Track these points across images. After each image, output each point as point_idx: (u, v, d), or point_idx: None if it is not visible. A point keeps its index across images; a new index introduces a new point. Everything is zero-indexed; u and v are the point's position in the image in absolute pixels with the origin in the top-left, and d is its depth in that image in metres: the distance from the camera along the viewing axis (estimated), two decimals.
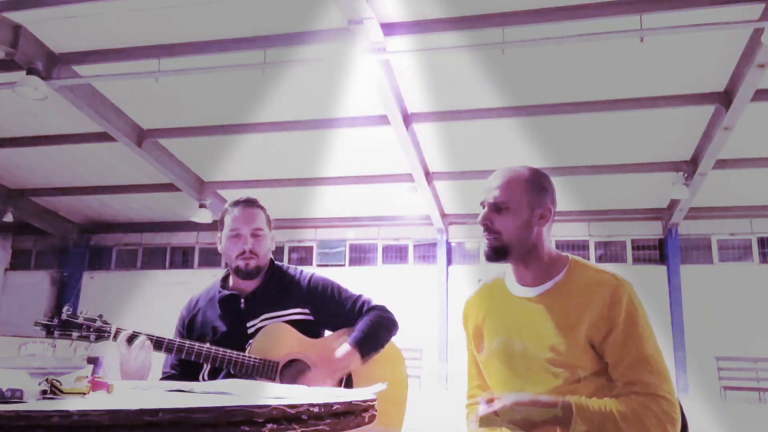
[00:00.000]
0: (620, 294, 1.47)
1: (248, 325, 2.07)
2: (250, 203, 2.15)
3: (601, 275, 1.53)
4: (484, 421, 1.41)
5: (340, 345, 2.03)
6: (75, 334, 1.84)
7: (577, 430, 1.37)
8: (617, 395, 1.43)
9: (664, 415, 1.38)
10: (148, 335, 1.93)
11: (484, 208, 1.59)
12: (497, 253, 1.57)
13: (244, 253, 2.07)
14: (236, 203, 2.14)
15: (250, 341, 2.02)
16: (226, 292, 2.13)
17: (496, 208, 1.57)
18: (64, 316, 1.83)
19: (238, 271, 2.10)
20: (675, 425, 1.40)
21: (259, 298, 2.11)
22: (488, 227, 1.58)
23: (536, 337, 1.53)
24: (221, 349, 1.95)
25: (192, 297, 2.25)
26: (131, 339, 1.90)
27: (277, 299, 2.11)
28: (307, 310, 2.11)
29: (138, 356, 1.88)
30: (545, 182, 1.62)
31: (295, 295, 2.13)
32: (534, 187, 1.58)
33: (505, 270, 1.69)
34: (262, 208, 2.16)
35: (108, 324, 1.90)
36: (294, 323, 2.07)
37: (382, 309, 2.15)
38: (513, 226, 1.55)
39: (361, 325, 2.08)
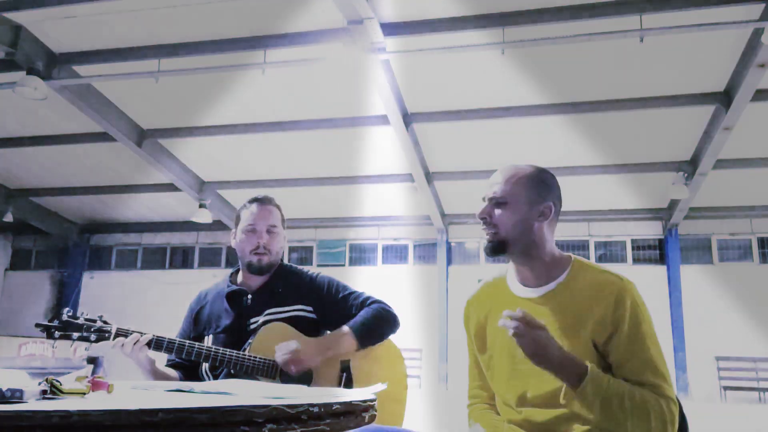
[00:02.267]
0: (624, 295, 1.48)
1: (251, 321, 2.09)
2: (267, 201, 2.24)
3: (605, 276, 1.53)
4: (513, 321, 1.39)
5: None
6: (75, 335, 1.85)
7: (585, 392, 1.38)
8: None
9: (668, 414, 1.39)
10: (141, 333, 1.94)
11: (485, 202, 1.61)
12: (495, 247, 1.58)
13: (258, 247, 2.14)
14: (254, 200, 2.23)
15: (250, 340, 2.03)
16: (234, 287, 2.17)
17: (496, 202, 1.58)
18: (64, 317, 1.84)
19: (250, 266, 2.15)
20: (674, 427, 1.40)
21: (265, 294, 2.15)
22: (486, 221, 1.59)
23: None
24: (221, 349, 1.97)
25: (202, 290, 2.32)
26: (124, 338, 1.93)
27: (282, 296, 2.15)
28: (309, 308, 2.14)
29: (132, 355, 1.91)
30: (548, 180, 1.62)
31: (299, 292, 2.17)
32: (535, 184, 1.59)
33: (507, 270, 1.69)
34: (277, 206, 2.27)
35: (108, 324, 1.91)
36: (296, 320, 2.09)
37: (383, 304, 2.18)
38: (511, 221, 1.56)
39: (361, 313, 2.12)
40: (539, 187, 1.59)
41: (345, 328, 2.06)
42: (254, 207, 2.20)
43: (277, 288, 2.16)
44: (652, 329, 1.48)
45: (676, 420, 1.41)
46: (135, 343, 1.90)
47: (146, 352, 1.95)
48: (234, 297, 2.16)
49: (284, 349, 1.96)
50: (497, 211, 1.58)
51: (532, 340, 1.38)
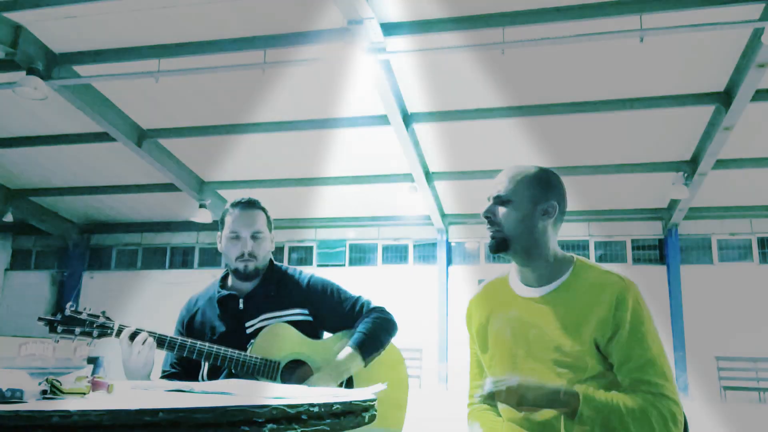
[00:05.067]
0: (626, 295, 1.48)
1: (247, 325, 2.07)
2: (251, 205, 2.14)
3: (606, 276, 1.53)
4: (488, 398, 1.41)
5: (342, 348, 2.03)
6: (78, 329, 1.83)
7: (583, 419, 1.37)
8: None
9: (669, 415, 1.38)
10: (150, 333, 1.92)
11: (489, 201, 1.61)
12: (498, 245, 1.58)
13: (243, 255, 2.08)
14: (236, 204, 2.14)
15: (252, 341, 2.02)
16: (225, 292, 2.13)
17: (499, 201, 1.59)
18: (67, 312, 1.83)
19: (236, 273, 2.11)
20: (679, 427, 1.40)
21: (258, 298, 2.11)
22: (490, 219, 1.59)
23: (541, 337, 1.53)
24: (223, 348, 1.95)
25: (191, 296, 2.25)
26: (134, 336, 1.89)
27: (276, 300, 2.11)
28: (306, 311, 2.11)
29: (141, 353, 1.88)
30: (552, 180, 1.62)
31: (294, 296, 2.13)
32: (538, 183, 1.59)
33: (509, 269, 1.69)
34: (262, 209, 2.16)
35: (111, 320, 1.89)
36: (293, 324, 2.07)
37: (381, 311, 2.15)
38: (514, 220, 1.56)
39: (362, 327, 2.08)
40: (543, 187, 1.59)
41: (350, 349, 2.02)
42: (237, 212, 2.11)
43: (270, 291, 2.12)
44: (653, 329, 1.48)
45: (678, 419, 1.40)
46: (144, 342, 1.89)
47: (154, 353, 1.92)
48: (226, 302, 2.12)
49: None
50: (501, 210, 1.58)
51: (516, 400, 1.39)
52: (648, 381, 1.42)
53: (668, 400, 1.40)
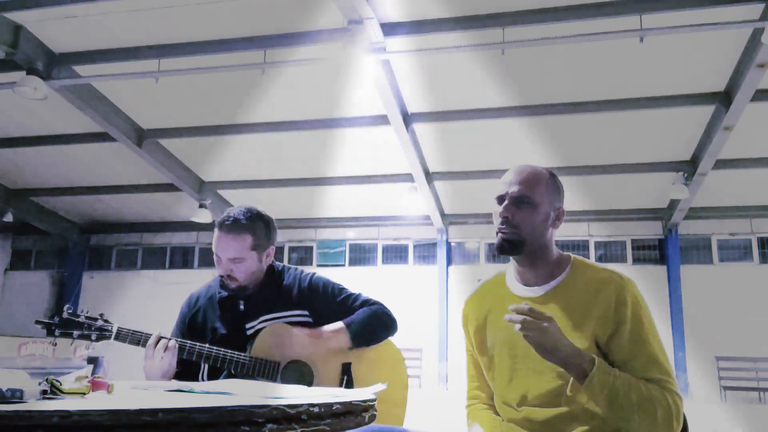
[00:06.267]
0: (625, 293, 1.48)
1: (247, 326, 2.07)
2: (233, 227, 2.07)
3: (604, 274, 1.53)
4: (524, 319, 1.36)
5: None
6: (76, 333, 1.84)
7: (592, 384, 1.37)
8: None
9: (674, 407, 1.39)
10: (140, 333, 1.94)
11: (504, 201, 1.57)
12: (512, 246, 1.54)
13: (224, 276, 2.10)
14: (221, 225, 2.10)
15: (252, 341, 2.02)
16: (225, 294, 2.13)
17: (518, 201, 1.55)
18: (65, 315, 1.83)
19: (226, 288, 2.14)
20: (680, 422, 1.41)
21: (259, 299, 2.11)
22: (508, 220, 1.54)
23: None
24: (222, 350, 1.95)
25: (192, 293, 2.26)
26: (157, 342, 1.92)
27: (276, 301, 2.11)
28: (306, 312, 2.11)
29: (164, 359, 1.89)
30: (559, 183, 1.64)
31: (294, 297, 2.13)
32: (553, 187, 1.60)
33: (506, 269, 1.69)
34: (251, 226, 2.08)
35: (109, 323, 1.90)
36: (293, 325, 2.07)
37: (383, 306, 2.16)
38: (532, 222, 1.54)
39: (359, 312, 2.11)
40: (557, 190, 1.60)
41: (340, 323, 2.05)
42: (219, 234, 2.09)
43: (270, 293, 2.12)
44: (653, 326, 1.49)
45: (681, 414, 1.41)
46: (166, 348, 1.90)
47: (176, 358, 1.93)
48: (226, 303, 2.12)
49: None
50: (519, 211, 1.55)
51: (540, 334, 1.36)
52: (653, 378, 1.43)
53: (675, 395, 1.41)
